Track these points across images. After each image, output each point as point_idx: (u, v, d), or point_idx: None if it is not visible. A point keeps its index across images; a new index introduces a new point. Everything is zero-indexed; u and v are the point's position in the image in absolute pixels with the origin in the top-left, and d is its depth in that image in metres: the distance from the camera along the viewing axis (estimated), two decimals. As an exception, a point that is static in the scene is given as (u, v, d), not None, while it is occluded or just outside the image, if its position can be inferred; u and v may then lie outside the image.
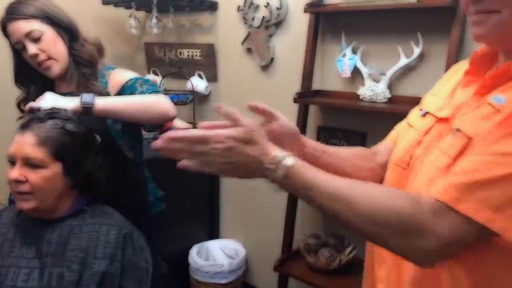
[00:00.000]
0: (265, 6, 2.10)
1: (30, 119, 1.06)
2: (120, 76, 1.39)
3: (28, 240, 1.06)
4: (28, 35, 1.23)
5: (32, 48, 1.24)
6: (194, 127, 2.43)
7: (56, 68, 1.30)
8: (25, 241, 1.06)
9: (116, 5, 2.50)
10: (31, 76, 1.36)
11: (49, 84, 1.37)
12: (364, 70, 1.78)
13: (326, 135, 1.99)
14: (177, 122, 2.20)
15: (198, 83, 2.43)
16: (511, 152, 0.56)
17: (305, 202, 0.67)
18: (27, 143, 1.01)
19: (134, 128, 1.43)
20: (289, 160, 0.65)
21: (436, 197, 0.59)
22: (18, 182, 1.00)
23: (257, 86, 2.26)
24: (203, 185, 2.47)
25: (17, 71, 1.37)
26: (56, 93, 1.29)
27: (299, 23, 2.01)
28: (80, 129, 1.10)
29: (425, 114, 0.80)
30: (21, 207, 1.04)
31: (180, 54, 2.59)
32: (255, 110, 0.82)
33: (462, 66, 0.82)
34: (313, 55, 1.91)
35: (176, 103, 2.36)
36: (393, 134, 0.95)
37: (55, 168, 1.04)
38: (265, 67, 2.20)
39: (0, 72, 1.59)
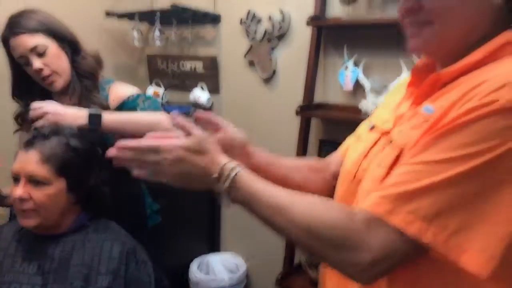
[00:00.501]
0: (268, 20, 2.11)
1: (34, 136, 1.06)
2: (122, 90, 1.40)
3: (30, 255, 1.06)
4: (33, 49, 1.23)
5: (37, 63, 1.24)
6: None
7: (60, 82, 1.30)
8: (27, 257, 1.06)
9: (119, 17, 2.52)
10: (29, 90, 1.36)
11: (48, 98, 1.36)
12: (366, 84, 1.79)
13: (328, 148, 1.99)
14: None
15: (200, 95, 2.44)
16: (436, 160, 0.56)
17: (250, 214, 0.68)
18: (31, 161, 1.01)
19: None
20: (235, 170, 0.67)
21: (368, 210, 0.59)
22: (22, 199, 1.00)
23: (259, 98, 2.27)
24: (204, 197, 2.47)
25: (15, 84, 1.37)
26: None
27: (301, 36, 2.02)
28: (84, 144, 1.10)
29: (372, 128, 0.81)
30: (24, 225, 1.04)
31: (183, 66, 2.60)
32: (201, 119, 0.81)
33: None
34: (315, 68, 1.92)
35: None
36: (343, 147, 0.95)
37: (59, 185, 1.04)
38: (267, 80, 2.21)
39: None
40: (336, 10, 1.90)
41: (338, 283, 0.76)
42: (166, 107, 2.46)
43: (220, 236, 2.59)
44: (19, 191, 1.00)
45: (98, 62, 1.42)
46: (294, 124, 2.02)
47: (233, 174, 0.67)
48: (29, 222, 1.02)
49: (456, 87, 0.62)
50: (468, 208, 0.54)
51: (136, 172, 0.69)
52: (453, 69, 0.64)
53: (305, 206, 0.63)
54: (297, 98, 2.00)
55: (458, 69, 0.64)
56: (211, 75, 2.47)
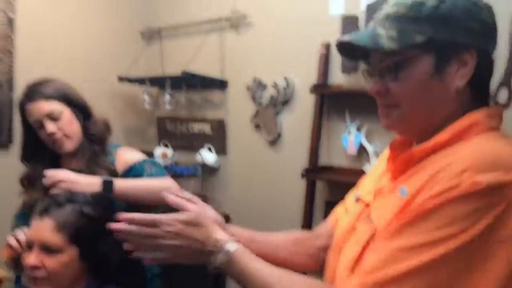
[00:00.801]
0: (273, 86, 2.22)
1: (49, 204, 1.10)
2: (129, 156, 1.45)
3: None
4: (48, 114, 1.30)
5: (50, 127, 1.30)
6: (204, 199, 2.46)
7: (70, 145, 1.35)
8: (35, 326, 1.05)
9: (131, 81, 2.66)
10: (39, 153, 1.40)
11: (56, 161, 1.42)
12: (369, 148, 1.85)
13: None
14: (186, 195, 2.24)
15: (207, 156, 2.50)
16: (409, 246, 0.59)
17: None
18: (46, 229, 1.04)
19: (137, 205, 1.47)
20: (232, 245, 0.71)
21: None
22: (34, 267, 1.02)
23: (265, 160, 2.33)
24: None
25: (26, 148, 1.42)
26: (64, 169, 1.35)
27: (305, 102, 2.12)
28: (97, 211, 1.13)
29: (358, 199, 0.84)
30: (35, 294, 1.05)
31: (191, 128, 2.69)
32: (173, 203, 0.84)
33: None
34: (319, 132, 2.00)
35: (186, 176, 2.43)
36: (332, 217, 0.97)
37: (71, 253, 1.06)
38: (273, 142, 2.28)
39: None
40: (338, 78, 2.01)
41: None
42: (174, 168, 2.52)
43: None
44: (32, 259, 1.02)
45: (107, 128, 1.48)
46: (300, 185, 2.05)
47: (229, 248, 0.70)
48: (41, 290, 1.03)
49: (427, 166, 0.66)
50: None
51: (130, 247, 0.72)
52: (423, 148, 0.68)
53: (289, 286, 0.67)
54: (302, 160, 2.05)
55: (427, 148, 0.67)
56: (218, 137, 2.54)
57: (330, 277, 0.78)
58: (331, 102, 2.04)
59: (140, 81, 2.61)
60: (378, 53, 0.71)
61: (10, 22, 2.23)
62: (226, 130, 2.52)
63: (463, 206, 0.56)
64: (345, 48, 0.76)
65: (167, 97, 2.53)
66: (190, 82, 2.48)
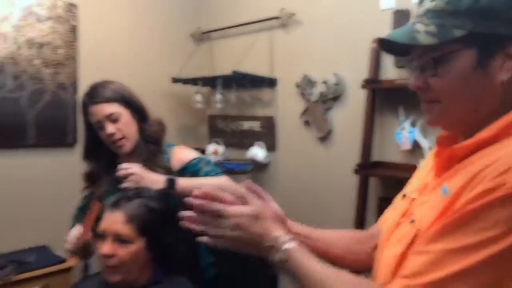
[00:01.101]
0: (323, 82, 2.23)
1: (120, 198, 1.18)
2: (184, 154, 1.51)
3: (110, 308, 1.15)
4: (109, 116, 1.38)
5: (110, 128, 1.38)
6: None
7: (128, 146, 1.43)
8: (108, 309, 1.15)
9: (184, 83, 2.76)
10: (100, 152, 1.49)
11: (114, 159, 1.50)
12: (424, 143, 1.81)
13: (388, 205, 1.98)
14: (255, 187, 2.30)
15: (257, 153, 2.55)
16: (453, 248, 0.58)
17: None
18: (118, 221, 1.13)
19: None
20: (290, 244, 0.72)
21: None
22: (108, 256, 1.11)
23: (315, 156, 2.34)
24: (261, 258, 2.49)
25: (87, 147, 1.52)
26: None
27: (356, 97, 2.11)
28: (161, 205, 1.21)
29: (404, 196, 0.83)
30: (109, 280, 1.13)
31: (241, 125, 2.75)
32: (249, 190, 0.86)
33: None
34: (371, 128, 1.98)
35: (236, 172, 2.49)
36: (382, 218, 0.96)
37: (140, 243, 1.14)
38: (323, 139, 2.28)
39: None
40: (390, 72, 1.98)
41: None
42: (225, 164, 2.59)
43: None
44: (106, 248, 1.11)
45: (162, 128, 1.55)
46: (352, 181, 2.05)
47: (287, 247, 0.72)
48: (114, 278, 1.12)
49: (470, 164, 0.64)
50: None
51: (201, 239, 0.76)
52: (466, 144, 0.67)
53: (342, 286, 0.68)
54: (354, 156, 2.05)
55: (471, 145, 0.66)
56: (268, 134, 2.59)
57: (375, 273, 0.80)
58: (383, 97, 2.01)
59: (193, 81, 2.70)
60: (418, 49, 0.70)
61: (74, 30, 2.39)
62: (276, 127, 2.55)
63: (508, 207, 0.55)
64: (387, 44, 0.75)
65: (218, 96, 2.60)
66: (240, 81, 2.54)
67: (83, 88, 2.43)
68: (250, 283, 2.35)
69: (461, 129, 0.72)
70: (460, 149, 0.68)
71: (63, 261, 2.10)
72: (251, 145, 2.61)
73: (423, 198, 0.74)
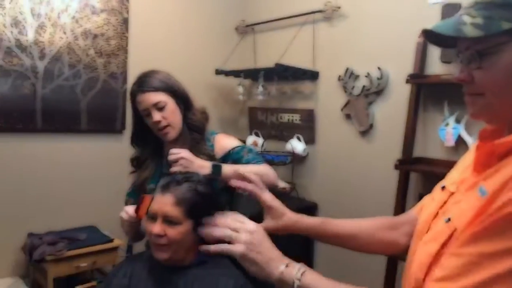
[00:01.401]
0: (365, 76, 2.22)
1: (169, 181, 1.25)
2: (226, 142, 1.56)
3: (158, 283, 1.22)
4: (156, 105, 1.43)
5: (156, 116, 1.44)
6: (293, 187, 2.55)
7: (173, 133, 1.48)
8: (156, 284, 1.22)
9: (226, 75, 2.82)
10: (145, 138, 1.56)
11: (159, 146, 1.57)
12: (470, 140, 1.77)
13: (428, 202, 1.97)
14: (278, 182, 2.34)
15: (296, 145, 2.58)
16: (488, 253, 0.57)
17: None
18: (167, 203, 1.20)
19: (232, 188, 1.59)
20: (303, 268, 0.76)
21: None
22: (158, 236, 1.19)
23: (355, 150, 2.34)
24: (298, 241, 2.53)
25: (135, 133, 1.58)
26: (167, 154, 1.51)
27: (399, 92, 2.09)
28: (208, 190, 1.27)
29: (443, 188, 0.82)
30: (158, 257, 1.21)
31: (281, 118, 2.79)
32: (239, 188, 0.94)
33: None
34: (414, 123, 1.96)
35: (276, 163, 2.53)
36: (418, 206, 0.96)
37: (188, 225, 1.21)
38: (364, 133, 2.28)
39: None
40: (436, 67, 1.95)
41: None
42: (265, 155, 2.64)
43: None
44: (157, 228, 1.18)
45: (206, 117, 1.60)
46: (392, 177, 2.04)
47: (302, 268, 0.76)
48: (163, 255, 1.20)
49: (510, 163, 0.62)
50: None
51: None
52: (508, 140, 0.65)
53: None
54: (395, 152, 2.04)
55: (511, 142, 0.64)
56: (307, 126, 2.61)
57: (409, 262, 0.80)
58: (427, 92, 1.99)
59: (235, 73, 2.76)
60: (465, 41, 0.68)
61: (125, 22, 2.51)
62: (316, 120, 2.57)
63: None
64: (433, 36, 0.74)
65: (260, 88, 2.65)
66: (282, 73, 2.57)
67: (132, 77, 2.55)
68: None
69: (505, 124, 0.71)
70: (501, 144, 0.66)
71: (110, 240, 2.24)
72: (290, 137, 2.65)
73: (459, 195, 0.73)
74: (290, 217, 0.95)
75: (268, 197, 0.94)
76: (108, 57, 2.46)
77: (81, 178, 2.44)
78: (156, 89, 1.44)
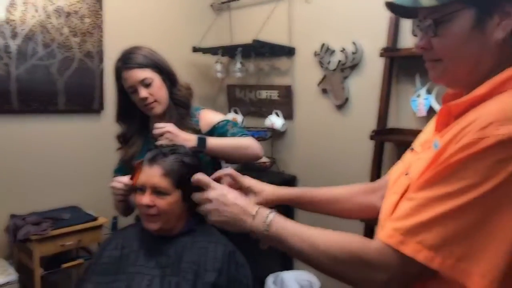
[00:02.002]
0: (341, 51, 2.28)
1: (156, 154, 1.29)
2: (211, 117, 1.60)
3: (149, 252, 1.27)
4: (142, 81, 1.45)
5: (143, 92, 1.45)
6: (273, 161, 2.62)
7: (159, 109, 1.51)
8: (147, 253, 1.27)
9: (204, 52, 2.83)
10: (131, 115, 1.57)
11: (145, 121, 1.59)
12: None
13: (401, 170, 2.07)
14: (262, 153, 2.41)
15: (275, 121, 2.64)
16: (438, 195, 0.64)
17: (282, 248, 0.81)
18: (155, 174, 1.24)
19: (218, 160, 1.63)
20: (271, 215, 0.82)
21: (383, 240, 0.69)
22: (148, 206, 1.23)
23: (332, 124, 2.42)
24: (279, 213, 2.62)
25: (120, 110, 1.58)
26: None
27: (373, 66, 2.16)
28: (194, 161, 1.31)
29: (412, 150, 0.90)
30: (149, 228, 1.25)
31: (259, 94, 2.83)
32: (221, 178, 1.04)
33: None
34: (388, 96, 2.05)
35: (256, 139, 2.58)
36: (391, 169, 1.04)
37: (176, 195, 1.25)
38: (340, 107, 2.36)
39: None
40: (408, 41, 2.02)
41: None
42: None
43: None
44: (146, 199, 1.22)
45: (190, 93, 1.62)
46: (367, 148, 2.13)
47: (270, 215, 0.82)
48: (153, 226, 1.24)
49: (462, 120, 0.69)
50: (470, 236, 0.62)
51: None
52: (461, 100, 0.71)
53: (328, 238, 0.76)
54: (370, 123, 2.12)
55: (465, 102, 0.70)
56: (285, 102, 2.67)
57: (378, 221, 0.88)
58: (400, 65, 2.07)
59: (213, 50, 2.77)
60: (422, 10, 0.73)
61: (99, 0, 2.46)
62: (293, 95, 2.63)
63: (486, 158, 0.60)
64: (396, 8, 0.79)
65: (238, 65, 2.67)
66: (259, 50, 2.60)
67: (108, 56, 2.54)
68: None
69: (463, 87, 0.76)
70: (456, 105, 0.72)
71: (94, 219, 2.26)
72: (269, 113, 2.70)
73: (421, 153, 0.80)
74: (270, 191, 1.04)
75: (245, 180, 1.03)
76: (83, 36, 2.42)
77: (60, 159, 2.43)
78: (142, 66, 1.45)
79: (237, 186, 1.03)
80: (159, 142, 1.34)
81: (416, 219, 0.66)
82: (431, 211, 0.64)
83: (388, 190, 0.89)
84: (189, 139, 1.39)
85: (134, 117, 1.57)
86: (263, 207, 0.85)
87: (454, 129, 0.69)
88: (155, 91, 1.48)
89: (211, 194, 0.89)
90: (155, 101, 1.49)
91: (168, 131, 1.36)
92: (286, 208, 2.71)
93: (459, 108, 0.72)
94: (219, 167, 1.66)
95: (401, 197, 0.75)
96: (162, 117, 1.54)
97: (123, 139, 1.60)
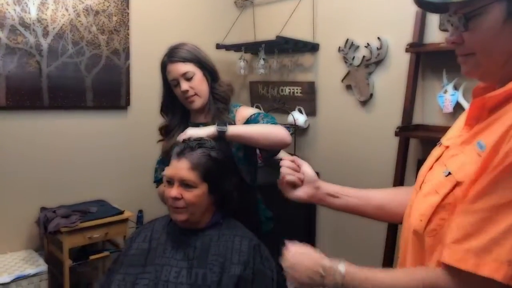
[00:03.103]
0: (365, 47, 2.26)
1: (184, 148, 1.32)
2: (246, 111, 1.63)
3: (177, 245, 1.30)
4: (184, 75, 1.50)
5: (185, 85, 1.50)
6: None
7: (199, 102, 1.55)
8: (175, 246, 1.30)
9: (227, 49, 2.85)
10: (174, 108, 1.63)
11: (186, 115, 1.63)
12: (467, 106, 1.83)
13: (427, 167, 2.04)
14: (281, 154, 2.41)
15: (298, 117, 2.64)
16: (501, 204, 0.61)
17: None
18: (183, 168, 1.27)
19: (253, 157, 1.65)
20: (341, 266, 0.79)
21: (455, 265, 0.66)
22: (176, 199, 1.25)
23: (356, 120, 2.40)
24: (300, 216, 2.63)
25: (164, 102, 1.64)
26: (192, 123, 1.58)
27: (399, 62, 2.14)
28: (221, 155, 1.33)
29: (440, 144, 0.88)
30: (176, 219, 1.29)
31: (282, 91, 2.83)
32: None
33: None
34: (413, 91, 2.02)
35: (278, 136, 2.59)
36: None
37: (203, 188, 1.28)
38: (364, 103, 2.34)
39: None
40: (434, 36, 1.99)
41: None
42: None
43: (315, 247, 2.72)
44: (174, 192, 1.26)
45: (231, 89, 1.67)
46: (392, 144, 2.11)
47: (339, 269, 0.79)
48: (180, 217, 1.27)
49: (503, 115, 0.67)
50: None
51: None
52: (497, 93, 0.69)
53: (402, 283, 0.73)
54: (395, 119, 2.10)
55: (502, 94, 0.69)
56: (308, 99, 2.66)
57: (407, 215, 0.85)
58: (426, 61, 2.03)
59: (236, 47, 2.79)
60: (453, 5, 0.73)
61: (125, -2, 2.52)
62: (316, 92, 2.62)
63: None
64: (425, 4, 0.78)
65: (261, 62, 2.68)
66: (282, 46, 2.60)
67: (134, 54, 2.59)
68: (283, 234, 2.49)
69: (496, 80, 0.75)
70: (491, 98, 0.71)
71: (121, 212, 2.31)
72: (292, 110, 2.70)
73: (455, 149, 0.77)
74: (323, 187, 1.06)
75: (304, 167, 1.06)
76: (110, 34, 2.48)
77: (88, 154, 2.50)
78: (185, 60, 1.51)
79: (299, 170, 1.06)
80: (181, 136, 1.37)
81: (487, 235, 0.62)
82: (500, 223, 0.61)
83: (416, 186, 0.86)
84: (209, 128, 1.40)
85: (176, 110, 1.62)
86: (330, 263, 0.83)
87: (498, 127, 0.66)
88: (196, 85, 1.52)
89: (285, 264, 0.90)
90: (196, 94, 1.53)
91: (190, 134, 1.39)
92: (307, 212, 2.72)
93: (494, 101, 0.71)
94: (254, 166, 1.68)
95: (443, 199, 0.73)
96: (202, 111, 1.59)
97: (165, 131, 1.64)
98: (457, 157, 0.76)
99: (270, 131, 1.48)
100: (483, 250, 0.63)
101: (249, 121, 1.57)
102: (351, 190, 1.06)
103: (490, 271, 0.62)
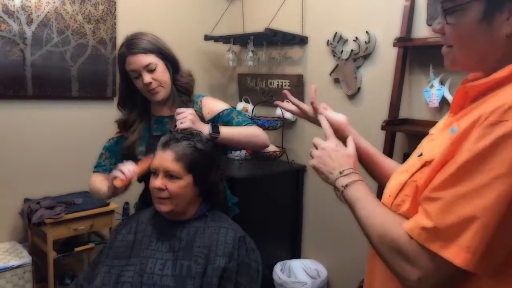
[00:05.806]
0: (354, 40, 2.27)
1: (169, 139, 1.31)
2: (215, 105, 1.61)
3: (162, 236, 1.30)
4: (146, 66, 1.45)
5: (147, 77, 1.45)
6: (283, 151, 2.62)
7: (162, 94, 1.51)
8: (160, 237, 1.30)
9: (216, 40, 2.83)
10: (133, 101, 1.57)
11: (147, 108, 1.59)
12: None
13: (412, 161, 2.06)
14: (271, 147, 2.41)
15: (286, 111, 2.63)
16: (469, 190, 0.62)
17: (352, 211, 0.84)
18: (168, 159, 1.26)
19: (223, 148, 1.64)
20: (356, 176, 0.86)
21: (422, 243, 0.66)
22: (160, 189, 1.25)
23: (343, 113, 2.37)
24: (287, 206, 2.64)
25: (122, 95, 1.58)
26: (156, 116, 1.56)
27: (386, 56, 2.14)
28: (207, 147, 1.33)
29: (431, 135, 0.89)
30: (160, 210, 1.28)
31: (271, 84, 2.83)
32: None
33: None
34: (400, 86, 2.03)
35: (266, 128, 2.59)
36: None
37: (188, 179, 1.27)
38: (352, 96, 2.35)
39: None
40: (422, 31, 2.00)
41: (384, 280, 0.84)
42: (255, 120, 2.68)
43: (302, 243, 2.74)
44: (158, 182, 1.25)
45: (193, 79, 1.62)
46: (378, 138, 2.12)
47: (353, 179, 0.85)
48: (164, 208, 1.26)
49: (481, 105, 0.68)
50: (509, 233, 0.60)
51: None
52: (478, 83, 0.71)
53: (384, 219, 0.76)
54: (382, 113, 2.11)
55: (484, 84, 0.70)
56: (297, 92, 2.66)
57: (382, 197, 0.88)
58: (414, 55, 2.04)
59: (225, 39, 2.77)
60: None
61: (112, -14, 2.47)
62: (305, 85, 2.62)
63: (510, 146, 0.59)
64: None
65: (250, 54, 2.66)
66: (271, 39, 2.59)
67: (121, 43, 2.55)
68: (271, 223, 2.49)
69: (483, 72, 0.75)
70: (473, 87, 0.72)
71: (106, 204, 2.29)
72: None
73: (436, 135, 0.80)
74: (355, 134, 1.12)
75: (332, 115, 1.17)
76: (97, 23, 2.44)
77: (73, 145, 2.47)
78: (147, 51, 1.46)
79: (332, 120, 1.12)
80: (180, 126, 1.35)
81: (450, 219, 0.63)
82: (467, 208, 0.62)
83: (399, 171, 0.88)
84: (204, 127, 1.40)
85: (136, 104, 1.58)
86: (356, 173, 0.88)
87: (473, 114, 0.67)
88: (159, 76, 1.48)
89: (325, 144, 0.95)
90: (159, 86, 1.49)
91: (191, 113, 1.38)
92: (294, 207, 2.73)
93: (477, 90, 0.72)
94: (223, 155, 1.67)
95: (411, 177, 0.76)
96: (165, 103, 1.56)
97: (123, 126, 1.59)
98: (433, 141, 0.79)
99: (254, 134, 1.52)
100: (446, 232, 0.63)
101: (220, 116, 1.56)
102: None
103: (451, 256, 0.62)
